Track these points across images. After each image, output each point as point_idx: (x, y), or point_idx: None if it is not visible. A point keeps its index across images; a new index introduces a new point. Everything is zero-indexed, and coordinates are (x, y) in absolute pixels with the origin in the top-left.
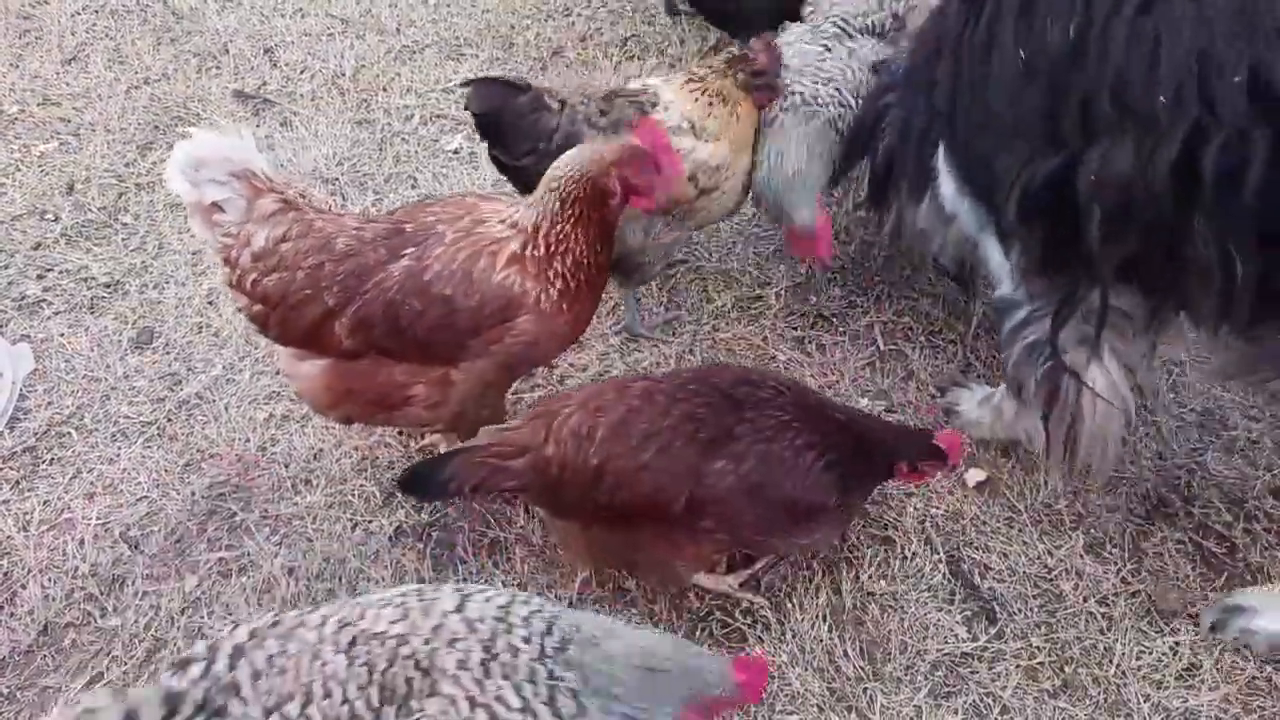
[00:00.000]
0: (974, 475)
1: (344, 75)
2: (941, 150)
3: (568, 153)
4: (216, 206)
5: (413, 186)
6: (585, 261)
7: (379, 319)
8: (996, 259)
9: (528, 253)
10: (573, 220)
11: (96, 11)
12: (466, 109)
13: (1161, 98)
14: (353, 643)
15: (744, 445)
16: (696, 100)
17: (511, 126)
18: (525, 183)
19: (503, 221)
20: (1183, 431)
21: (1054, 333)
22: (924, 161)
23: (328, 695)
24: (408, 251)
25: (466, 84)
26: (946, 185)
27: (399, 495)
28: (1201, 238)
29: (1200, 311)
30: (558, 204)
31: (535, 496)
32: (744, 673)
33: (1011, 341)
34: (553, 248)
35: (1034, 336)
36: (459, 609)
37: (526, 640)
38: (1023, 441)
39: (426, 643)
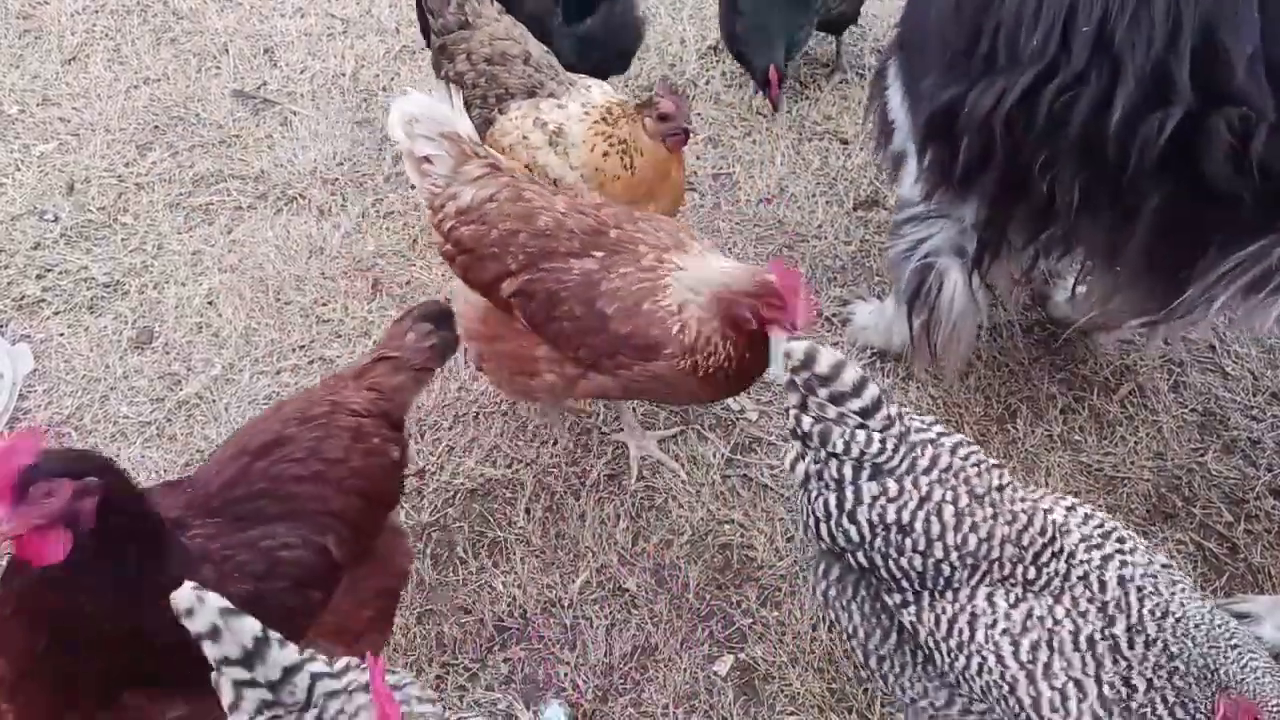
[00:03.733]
0: None
1: (344, 75)
2: (893, 61)
3: (725, 266)
4: (427, 160)
5: (413, 186)
6: (726, 365)
7: (540, 300)
8: (910, 163)
9: (692, 327)
10: (718, 331)
11: (96, 11)
12: None
13: (1034, 42)
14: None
15: None
16: (594, 141)
17: None
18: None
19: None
20: (1183, 431)
21: (975, 260)
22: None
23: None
24: (597, 255)
25: None
26: (894, 94)
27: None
28: (1041, 171)
29: (1038, 237)
30: (704, 316)
31: None
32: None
33: (897, 234)
34: (700, 344)
35: (917, 234)
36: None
37: None
38: (894, 347)
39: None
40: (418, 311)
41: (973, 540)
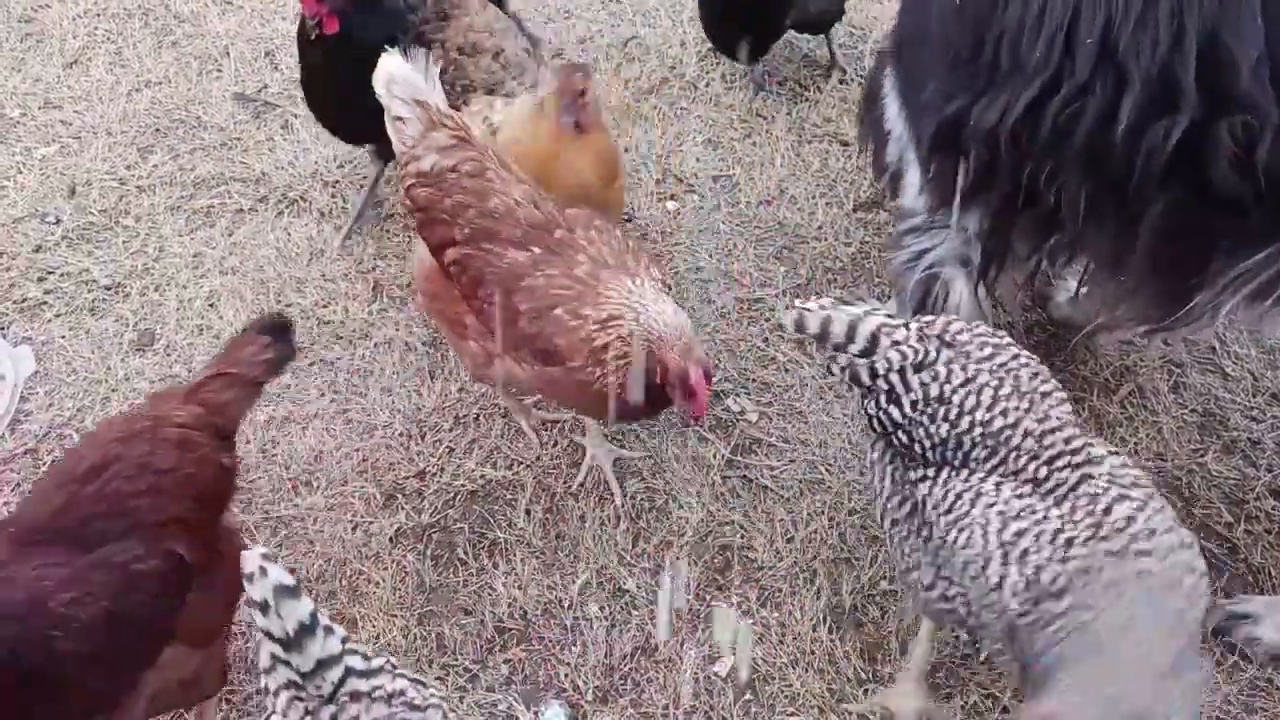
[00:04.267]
0: None
1: None
2: (889, 73)
3: (662, 310)
4: (400, 120)
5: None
6: (616, 390)
7: (470, 276)
8: (912, 174)
9: (596, 342)
10: (625, 360)
11: (98, 15)
12: None
13: (1037, 52)
14: None
15: None
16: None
17: None
18: None
19: (611, 301)
20: (1183, 432)
21: (982, 270)
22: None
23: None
24: (534, 249)
25: None
26: (892, 105)
27: (399, 497)
28: (1047, 182)
29: (1044, 248)
30: (627, 342)
31: None
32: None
33: (898, 244)
34: (603, 359)
35: (919, 245)
36: None
37: None
38: None
39: None
40: (257, 325)
41: (998, 423)
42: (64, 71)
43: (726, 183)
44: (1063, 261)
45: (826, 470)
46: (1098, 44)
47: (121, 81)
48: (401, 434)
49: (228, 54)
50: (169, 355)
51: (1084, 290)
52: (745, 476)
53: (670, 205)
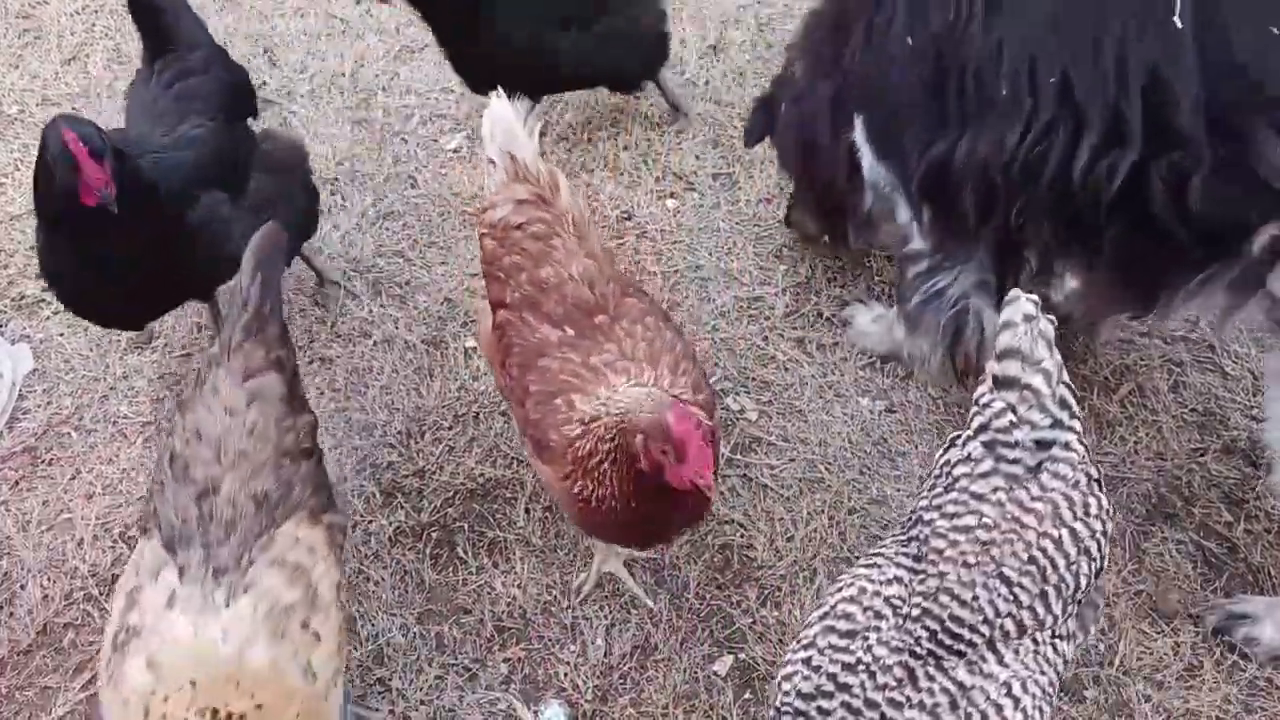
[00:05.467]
0: None
1: (343, 75)
2: (858, 124)
3: (634, 391)
4: (492, 163)
5: (412, 186)
6: (614, 504)
7: (505, 340)
8: (904, 217)
9: (579, 449)
10: (609, 458)
11: (96, 11)
12: None
13: (1003, 90)
14: None
15: None
16: None
17: None
18: None
19: (600, 397)
20: (1183, 431)
21: (960, 282)
22: (840, 143)
23: None
24: (567, 331)
25: None
26: (866, 156)
27: (399, 496)
28: (1020, 215)
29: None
30: (602, 434)
31: None
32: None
33: (913, 288)
34: (591, 465)
35: (935, 286)
36: None
37: None
38: (903, 359)
39: None
40: None
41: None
42: (62, 68)
43: (726, 181)
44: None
45: (826, 469)
46: (1059, 83)
47: (120, 78)
48: (401, 433)
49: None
50: (167, 353)
51: (1073, 283)
52: (745, 475)
53: (670, 203)
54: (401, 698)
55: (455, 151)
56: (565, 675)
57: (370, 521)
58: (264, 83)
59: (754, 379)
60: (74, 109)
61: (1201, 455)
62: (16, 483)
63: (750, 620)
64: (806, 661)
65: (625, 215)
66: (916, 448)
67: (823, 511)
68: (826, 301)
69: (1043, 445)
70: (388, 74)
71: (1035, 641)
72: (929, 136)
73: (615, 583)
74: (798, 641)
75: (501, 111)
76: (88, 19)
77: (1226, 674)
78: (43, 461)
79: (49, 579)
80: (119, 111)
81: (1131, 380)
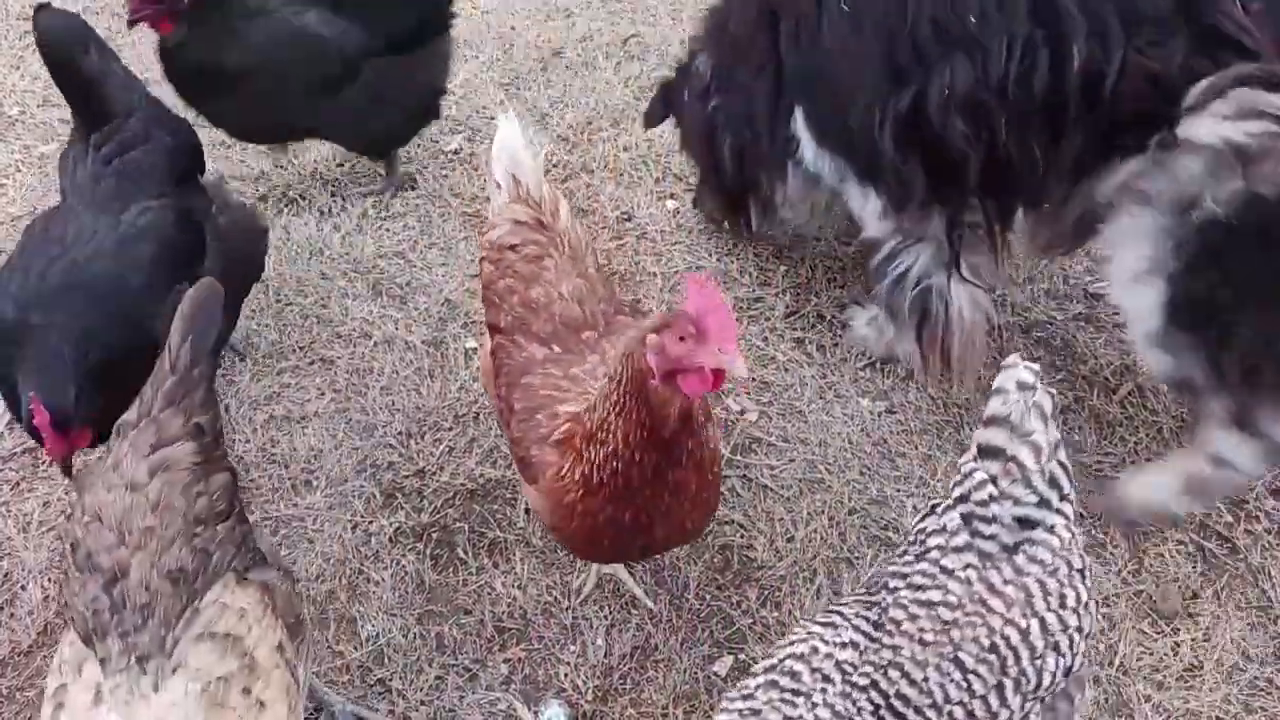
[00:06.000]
0: None
1: None
2: (798, 115)
3: (620, 345)
4: (497, 185)
5: (412, 187)
6: (619, 459)
7: (498, 363)
8: (858, 205)
9: (582, 421)
10: (616, 407)
11: (97, 13)
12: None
13: (971, 18)
14: None
15: None
16: None
17: None
18: None
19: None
20: (1183, 432)
21: (950, 259)
22: (777, 138)
23: None
24: (553, 348)
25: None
26: (808, 149)
27: (399, 496)
28: (1010, 133)
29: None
30: (607, 383)
31: None
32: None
33: (881, 274)
34: (597, 428)
35: (902, 267)
36: None
37: None
38: (900, 360)
39: None
40: None
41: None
42: None
43: None
44: (1002, 219)
45: (826, 470)
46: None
47: None
48: (401, 433)
49: None
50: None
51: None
52: (745, 476)
53: (670, 204)
54: (401, 698)
55: (455, 153)
56: (565, 675)
57: (370, 522)
58: None
59: (754, 380)
60: None
61: None
62: (17, 484)
63: (750, 621)
64: (742, 713)
65: (625, 216)
66: (916, 448)
67: (823, 512)
68: (826, 302)
69: (1025, 524)
70: None
71: None
72: (884, 100)
73: (615, 583)
74: (738, 689)
75: (509, 134)
76: (88, 20)
77: (1226, 674)
78: (43, 463)
79: (50, 580)
80: None
81: (1131, 380)
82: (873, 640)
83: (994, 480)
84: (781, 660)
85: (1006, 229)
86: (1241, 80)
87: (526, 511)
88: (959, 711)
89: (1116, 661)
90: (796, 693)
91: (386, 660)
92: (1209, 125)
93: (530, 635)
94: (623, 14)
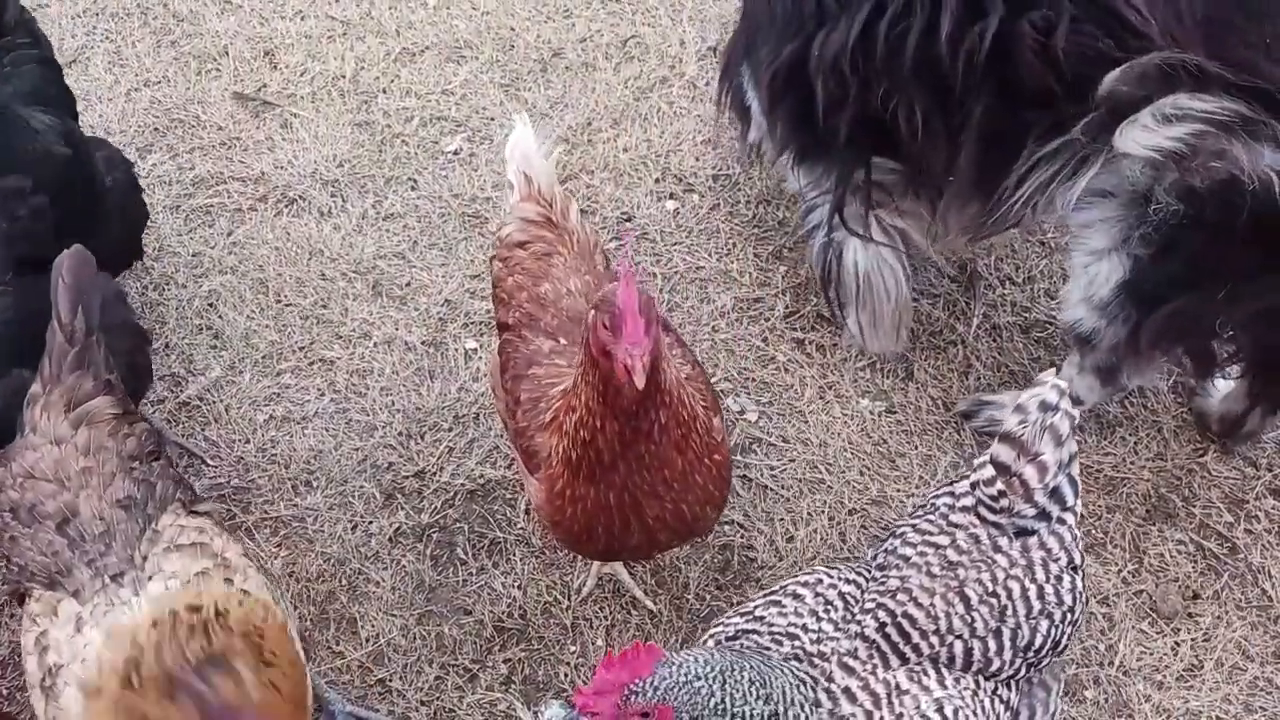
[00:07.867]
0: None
1: (344, 77)
2: (745, 68)
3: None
4: (510, 185)
5: (413, 188)
6: (585, 428)
7: (504, 359)
8: (771, 156)
9: (563, 402)
10: (582, 372)
11: (97, 14)
12: None
13: None
14: None
15: None
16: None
17: None
18: None
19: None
20: (1183, 431)
21: (831, 213)
22: (739, 80)
23: None
24: (560, 341)
25: None
26: (750, 93)
27: (399, 496)
28: (884, 97)
29: (922, 166)
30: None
31: None
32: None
33: (801, 225)
34: (570, 401)
35: (813, 221)
36: None
37: None
38: (885, 351)
39: None
40: None
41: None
42: (64, 71)
43: (726, 182)
44: (901, 189)
45: (826, 470)
46: None
47: (120, 81)
48: (401, 433)
49: (226, 53)
50: (168, 355)
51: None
52: (745, 476)
53: (669, 204)
54: (401, 698)
55: (455, 154)
56: (565, 675)
57: (370, 522)
58: (264, 85)
59: (754, 380)
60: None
61: (1201, 455)
62: None
63: None
64: (743, 615)
65: (625, 216)
66: (916, 448)
67: (823, 512)
68: (825, 302)
69: (1022, 534)
70: (388, 76)
71: (977, 684)
72: (780, 45)
73: (615, 584)
74: (736, 608)
75: (522, 135)
76: (88, 22)
77: (1227, 674)
78: None
79: None
80: (118, 116)
81: None
82: (879, 579)
83: (1002, 493)
84: (784, 586)
85: (918, 195)
86: (1155, 71)
87: (526, 511)
88: (959, 646)
89: (1116, 661)
90: (799, 611)
91: (386, 660)
92: (1141, 136)
93: (530, 635)
94: (623, 14)
